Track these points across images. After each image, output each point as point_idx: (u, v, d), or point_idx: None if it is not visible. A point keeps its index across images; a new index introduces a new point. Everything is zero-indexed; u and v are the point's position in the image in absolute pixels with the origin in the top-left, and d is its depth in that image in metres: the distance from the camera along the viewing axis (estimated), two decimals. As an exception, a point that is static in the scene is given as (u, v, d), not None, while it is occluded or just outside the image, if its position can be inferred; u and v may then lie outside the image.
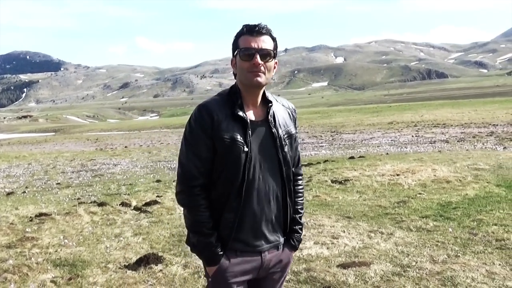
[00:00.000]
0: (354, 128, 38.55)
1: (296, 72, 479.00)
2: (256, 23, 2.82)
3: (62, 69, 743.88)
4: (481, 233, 6.89)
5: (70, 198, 11.64)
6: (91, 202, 10.50)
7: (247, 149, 2.76)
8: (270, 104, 2.89)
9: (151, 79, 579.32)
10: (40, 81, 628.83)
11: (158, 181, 13.81)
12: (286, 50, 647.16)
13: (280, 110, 2.97)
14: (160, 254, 6.37)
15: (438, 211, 8.36)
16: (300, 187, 3.11)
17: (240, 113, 2.78)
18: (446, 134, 27.45)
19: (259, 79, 2.78)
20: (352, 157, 16.54)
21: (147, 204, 10.01)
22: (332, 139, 31.87)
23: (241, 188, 2.78)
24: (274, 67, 2.90)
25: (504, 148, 18.43)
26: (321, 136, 35.27)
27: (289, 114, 3.01)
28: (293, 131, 2.96)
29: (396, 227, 7.50)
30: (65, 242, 7.33)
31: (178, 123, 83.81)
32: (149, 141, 41.90)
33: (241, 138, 2.76)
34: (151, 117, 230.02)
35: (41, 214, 9.32)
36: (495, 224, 7.28)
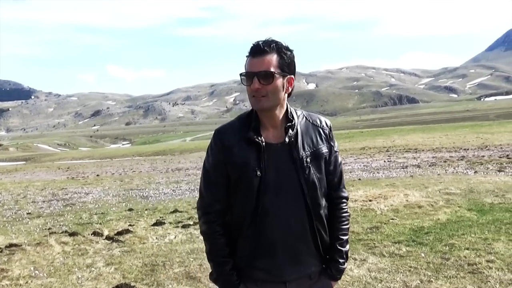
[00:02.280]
0: (326, 154, 38.66)
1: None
2: (262, 41, 2.66)
3: (33, 97, 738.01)
4: (453, 257, 6.93)
5: (41, 228, 11.48)
6: (62, 232, 10.37)
7: (260, 174, 2.66)
8: (289, 124, 2.73)
9: (123, 107, 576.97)
10: (10, 109, 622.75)
11: (130, 209, 13.70)
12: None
13: (307, 128, 2.79)
14: (132, 284, 6.32)
15: (411, 236, 8.40)
16: (343, 211, 2.89)
17: (254, 136, 2.68)
18: (418, 158, 27.66)
19: (261, 103, 2.65)
20: (324, 183, 16.58)
21: (119, 233, 9.90)
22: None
23: (255, 215, 2.67)
24: (290, 84, 2.72)
25: (475, 172, 18.61)
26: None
27: (320, 132, 2.82)
28: (323, 150, 2.78)
29: (369, 253, 7.52)
30: (36, 273, 7.22)
31: (150, 150, 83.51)
32: (121, 169, 41.60)
33: (254, 163, 2.67)
34: (123, 145, 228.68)
35: (11, 245, 9.16)
36: (467, 249, 7.34)
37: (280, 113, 2.74)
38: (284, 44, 2.67)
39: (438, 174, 18.36)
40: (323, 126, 2.85)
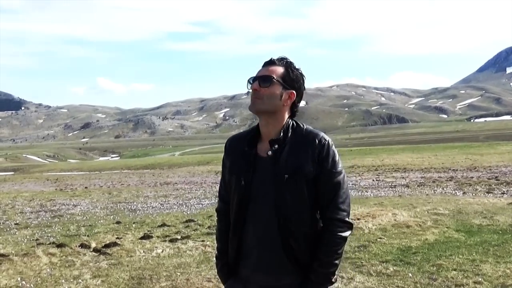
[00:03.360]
0: (315, 172, 38.67)
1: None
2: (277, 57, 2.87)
3: (23, 108, 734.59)
4: (440, 278, 6.96)
5: (28, 238, 11.42)
6: (49, 243, 10.33)
7: (244, 184, 2.81)
8: (276, 138, 2.81)
9: (113, 120, 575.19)
10: (0, 119, 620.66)
11: (118, 222, 13.65)
12: (248, 92, 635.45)
13: (297, 145, 2.81)
14: (119, 297, 6.30)
15: (398, 256, 8.42)
16: (330, 232, 2.78)
17: (246, 147, 2.86)
18: (407, 178, 27.75)
19: (256, 105, 2.80)
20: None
21: (107, 245, 9.87)
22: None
23: (236, 220, 2.88)
24: (289, 98, 2.84)
25: (464, 193, 18.70)
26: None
27: (309, 150, 2.79)
28: (307, 169, 2.75)
29: (357, 271, 7.53)
30: (23, 283, 7.20)
31: (139, 164, 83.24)
32: (110, 182, 41.46)
33: (241, 173, 2.83)
34: (112, 157, 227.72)
35: (-2, 255, 9.15)
36: (455, 269, 7.36)
37: (276, 126, 2.84)
38: (294, 64, 2.86)
39: (427, 194, 18.43)
40: (315, 144, 2.81)
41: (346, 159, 53.87)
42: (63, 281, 7.41)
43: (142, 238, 10.76)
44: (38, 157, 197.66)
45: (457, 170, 32.20)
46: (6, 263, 8.52)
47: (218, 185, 3.23)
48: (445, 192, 19.26)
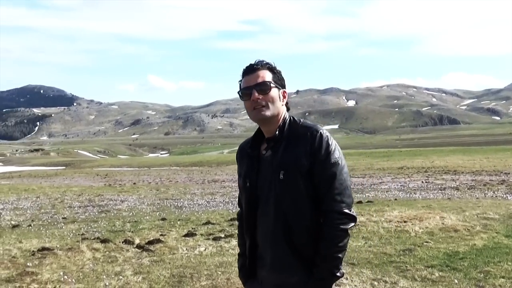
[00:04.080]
0: (363, 172, 38.35)
1: (307, 114, 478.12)
2: (253, 62, 2.90)
3: (75, 104, 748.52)
4: (488, 285, 6.75)
5: (74, 233, 11.56)
6: (94, 238, 10.43)
7: (248, 185, 2.90)
8: (270, 136, 2.89)
9: (163, 117, 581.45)
10: (53, 115, 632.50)
11: (163, 219, 13.70)
12: (297, 92, 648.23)
13: (292, 139, 2.83)
14: (159, 295, 6.28)
15: (445, 261, 8.20)
16: (329, 225, 2.73)
17: (249, 149, 2.97)
18: (457, 181, 27.24)
19: (263, 113, 2.82)
20: (360, 202, 16.37)
21: (150, 242, 9.91)
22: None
23: (247, 224, 2.96)
24: (284, 97, 2.93)
25: (515, 197, 18.24)
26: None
27: (302, 142, 2.79)
28: (301, 162, 2.74)
29: (401, 276, 7.37)
30: (65, 278, 7.25)
31: (188, 161, 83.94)
32: (158, 178, 41.89)
33: (246, 174, 2.94)
34: (161, 154, 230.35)
35: (43, 249, 9.27)
36: (503, 277, 7.13)
37: (275, 126, 2.89)
38: (273, 64, 2.91)
39: (477, 198, 18.03)
40: (307, 137, 2.80)
41: (395, 160, 53.42)
42: (104, 276, 7.44)
43: (185, 235, 10.76)
44: (89, 153, 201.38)
45: (509, 173, 31.45)
46: (50, 257, 8.62)
47: None
48: (496, 196, 18.81)
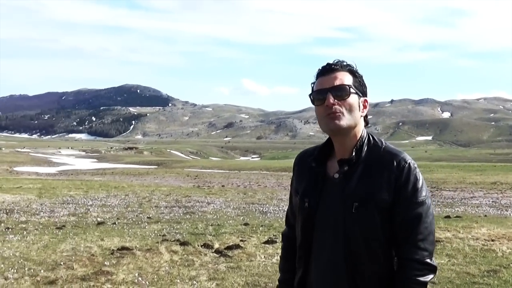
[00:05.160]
0: (455, 186, 37.14)
1: (400, 124, 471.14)
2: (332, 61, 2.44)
3: (170, 104, 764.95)
4: None
5: (156, 234, 11.61)
6: (174, 240, 10.41)
7: (307, 206, 2.41)
8: (345, 158, 2.38)
9: (256, 121, 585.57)
10: (148, 114, 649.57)
11: (246, 224, 13.58)
12: (392, 101, 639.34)
13: (372, 166, 2.36)
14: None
15: (534, 286, 7.66)
16: (402, 274, 2.29)
17: (314, 165, 2.47)
18: (554, 199, 25.96)
19: (337, 122, 2.32)
20: (448, 216, 15.74)
21: (229, 247, 9.77)
22: (432, 195, 30.79)
23: (300, 248, 2.49)
24: (364, 106, 2.42)
25: None
26: (421, 191, 33.93)
27: (385, 174, 2.33)
28: (381, 197, 2.29)
29: (485, 299, 6.91)
30: (139, 280, 7.22)
31: (278, 166, 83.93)
32: (247, 182, 42.07)
33: (307, 193, 2.45)
34: (252, 158, 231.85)
35: (123, 248, 9.34)
36: None
37: (352, 141, 2.40)
38: (355, 66, 2.43)
39: None
40: (393, 167, 2.33)
41: (488, 174, 51.59)
42: (178, 280, 7.34)
43: (265, 242, 10.57)
44: (181, 153, 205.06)
45: None
46: (128, 257, 8.64)
47: None
48: None
